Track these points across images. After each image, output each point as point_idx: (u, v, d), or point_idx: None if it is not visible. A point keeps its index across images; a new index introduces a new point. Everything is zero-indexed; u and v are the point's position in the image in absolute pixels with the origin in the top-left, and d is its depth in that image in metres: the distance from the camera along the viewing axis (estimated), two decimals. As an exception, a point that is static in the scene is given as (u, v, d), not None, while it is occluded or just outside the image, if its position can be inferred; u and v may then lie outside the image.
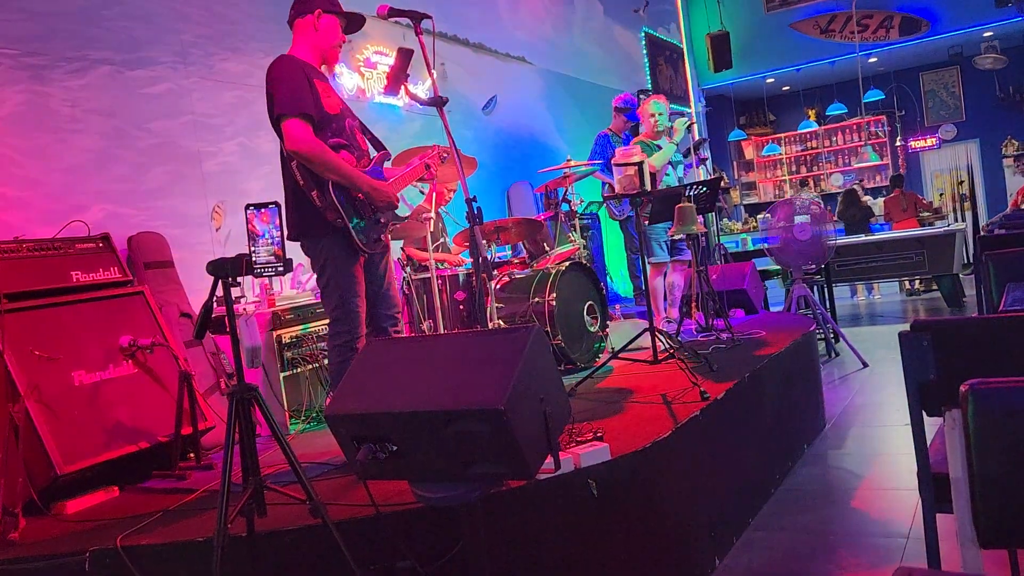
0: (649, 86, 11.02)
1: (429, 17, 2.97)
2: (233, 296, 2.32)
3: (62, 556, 2.39)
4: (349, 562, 2.14)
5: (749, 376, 3.54)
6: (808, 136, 14.61)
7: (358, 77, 6.08)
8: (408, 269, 4.69)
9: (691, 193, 4.75)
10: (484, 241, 4.02)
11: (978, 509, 1.39)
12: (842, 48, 12.26)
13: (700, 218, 4.67)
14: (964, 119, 13.72)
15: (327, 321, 3.13)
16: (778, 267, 7.16)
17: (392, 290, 3.27)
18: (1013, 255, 3.29)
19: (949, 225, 9.38)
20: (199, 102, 4.74)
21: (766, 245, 6.63)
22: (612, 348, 4.50)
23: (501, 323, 4.48)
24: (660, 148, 5.33)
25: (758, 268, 6.65)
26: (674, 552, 2.67)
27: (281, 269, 2.31)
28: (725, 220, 11.68)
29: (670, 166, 5.40)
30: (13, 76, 3.83)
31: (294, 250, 2.74)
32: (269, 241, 2.30)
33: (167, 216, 4.40)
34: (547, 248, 4.85)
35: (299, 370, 4.08)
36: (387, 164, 3.28)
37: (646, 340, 3.92)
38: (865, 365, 5.89)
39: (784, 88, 14.50)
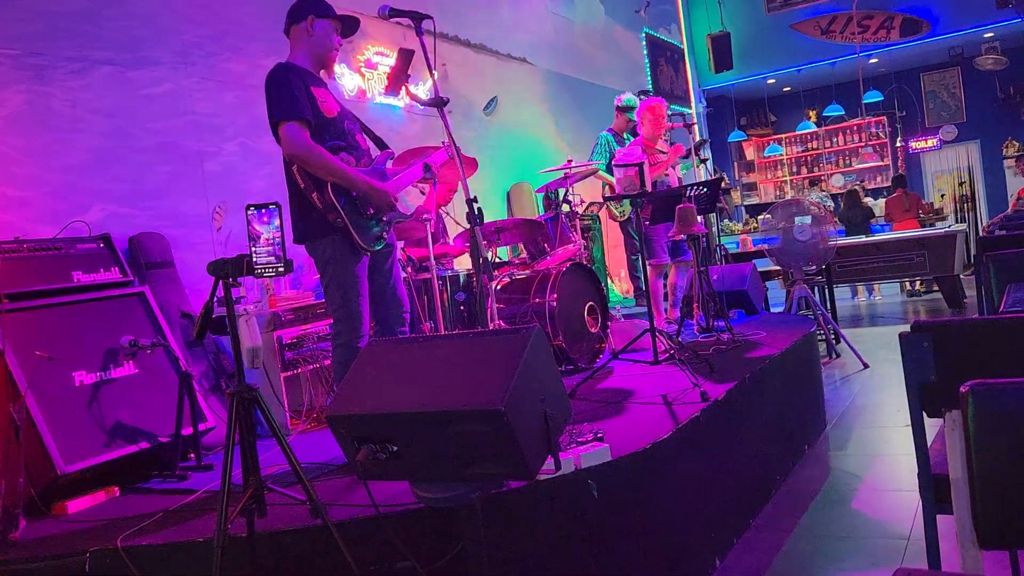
0: (650, 87, 11.03)
1: (430, 17, 2.99)
2: (234, 296, 2.33)
3: (62, 556, 2.39)
4: (349, 562, 2.14)
5: (750, 377, 3.54)
6: (809, 137, 14.60)
7: (359, 78, 6.07)
8: (408, 269, 4.68)
9: (691, 194, 4.76)
10: (485, 242, 4.01)
11: (978, 510, 1.39)
12: (843, 49, 12.26)
13: (700, 218, 4.67)
14: (965, 120, 13.70)
15: (328, 321, 3.13)
16: (779, 268, 7.16)
17: (399, 289, 3.29)
18: (1014, 256, 3.30)
19: (950, 226, 9.38)
20: (200, 102, 4.74)
21: (767, 246, 6.64)
22: (613, 348, 4.50)
23: (502, 323, 4.48)
24: (662, 152, 5.35)
25: (759, 269, 6.65)
26: (674, 552, 2.67)
27: (281, 269, 2.31)
28: (726, 221, 11.67)
29: (670, 167, 5.42)
30: (14, 76, 3.83)
31: (294, 250, 2.74)
32: (269, 241, 2.30)
33: (168, 216, 4.39)
34: (547, 249, 4.84)
35: (299, 370, 4.08)
36: (388, 164, 3.28)
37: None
38: (866, 366, 5.89)
39: (785, 89, 14.49)
